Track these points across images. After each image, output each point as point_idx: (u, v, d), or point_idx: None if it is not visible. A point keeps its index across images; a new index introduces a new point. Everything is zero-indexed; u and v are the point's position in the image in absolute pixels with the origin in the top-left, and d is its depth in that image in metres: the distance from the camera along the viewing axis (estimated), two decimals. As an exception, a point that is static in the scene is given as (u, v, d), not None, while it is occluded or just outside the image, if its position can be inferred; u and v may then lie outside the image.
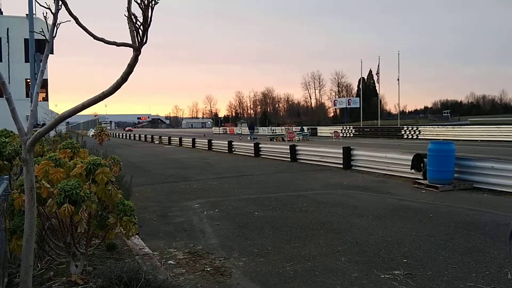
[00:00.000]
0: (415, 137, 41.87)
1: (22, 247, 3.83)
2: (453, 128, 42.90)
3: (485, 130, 37.01)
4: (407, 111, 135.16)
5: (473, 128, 40.87)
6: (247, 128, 60.19)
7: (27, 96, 36.23)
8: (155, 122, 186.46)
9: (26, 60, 35.50)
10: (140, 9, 3.18)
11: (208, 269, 5.68)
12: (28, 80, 34.90)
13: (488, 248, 6.29)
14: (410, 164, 12.80)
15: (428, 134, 40.42)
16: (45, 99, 45.02)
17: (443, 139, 30.84)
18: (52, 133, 22.43)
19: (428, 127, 45.75)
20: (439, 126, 47.89)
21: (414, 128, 44.09)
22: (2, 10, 48.35)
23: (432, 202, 9.81)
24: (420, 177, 12.33)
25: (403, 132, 44.27)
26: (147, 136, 52.51)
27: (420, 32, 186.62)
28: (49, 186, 4.34)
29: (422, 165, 12.39)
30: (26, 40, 36.05)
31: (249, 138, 46.23)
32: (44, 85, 43.70)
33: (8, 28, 42.25)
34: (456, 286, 4.92)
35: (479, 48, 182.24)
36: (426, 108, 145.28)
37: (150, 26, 3.25)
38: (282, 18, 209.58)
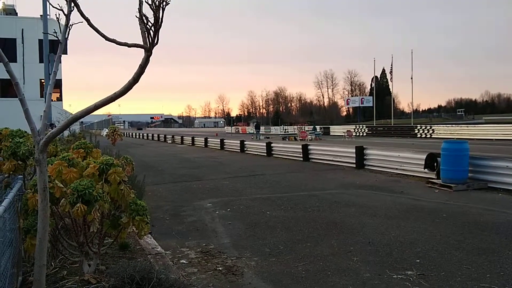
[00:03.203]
0: (428, 136, 41.48)
1: (35, 246, 3.87)
2: (467, 127, 42.40)
3: (500, 129, 36.51)
4: (420, 110, 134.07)
5: (488, 127, 40.37)
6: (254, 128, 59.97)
7: (42, 96, 36.60)
8: (168, 121, 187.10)
9: (41, 61, 35.90)
10: (151, 10, 3.19)
11: (220, 268, 5.69)
12: (43, 80, 35.27)
13: (503, 248, 6.21)
14: (424, 163, 12.70)
15: (441, 133, 40.01)
16: (59, 99, 45.46)
17: (457, 138, 30.52)
18: (66, 132, 22.65)
19: (441, 126, 45.30)
20: (453, 125, 47.33)
21: (428, 127, 43.70)
22: (17, 12, 48.95)
23: (446, 202, 9.73)
24: (434, 177, 12.23)
25: (416, 131, 43.92)
26: (160, 135, 52.75)
27: (434, 30, 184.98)
28: (62, 186, 4.37)
29: (435, 164, 12.29)
30: (40, 41, 36.46)
31: (260, 137, 46.16)
32: (58, 85, 44.12)
33: (23, 29, 42.74)
34: (470, 287, 4.88)
35: (494, 46, 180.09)
36: (440, 107, 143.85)
37: (161, 27, 3.26)
38: (295, 18, 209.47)
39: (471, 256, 5.93)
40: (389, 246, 6.45)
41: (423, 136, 42.20)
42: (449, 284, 4.97)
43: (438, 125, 46.85)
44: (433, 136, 40.52)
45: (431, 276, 5.22)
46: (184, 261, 6.03)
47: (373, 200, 10.07)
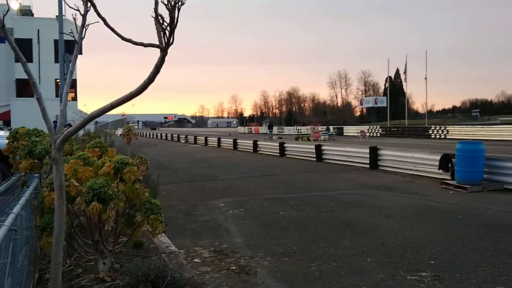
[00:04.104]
0: (443, 137, 41.12)
1: (52, 244, 3.91)
2: (483, 127, 42.00)
3: (516, 129, 36.05)
4: (434, 111, 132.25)
5: (504, 127, 39.85)
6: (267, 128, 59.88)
7: (57, 96, 37.01)
8: (182, 121, 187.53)
9: (56, 61, 36.34)
10: (167, 10, 3.21)
11: (233, 267, 5.70)
12: (58, 80, 35.62)
13: (519, 250, 6.14)
14: (438, 164, 12.60)
15: (456, 134, 39.57)
16: (74, 98, 45.94)
17: (472, 139, 30.19)
18: (81, 132, 22.83)
19: (456, 127, 44.89)
20: (468, 126, 46.83)
21: (442, 128, 43.34)
22: (33, 12, 49.53)
23: (461, 203, 9.64)
24: (448, 178, 12.12)
25: (430, 132, 43.58)
26: (174, 135, 52.97)
27: (448, 30, 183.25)
28: (78, 184, 4.42)
29: (450, 165, 12.18)
30: (56, 41, 36.83)
31: (273, 137, 46.13)
32: (73, 85, 44.58)
33: (39, 30, 43.29)
34: (485, 289, 4.83)
35: (510, 46, 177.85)
36: (454, 107, 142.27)
37: (177, 26, 3.27)
38: (308, 17, 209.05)
39: (487, 257, 5.87)
40: (403, 247, 6.41)
41: (438, 136, 41.87)
42: (464, 286, 4.92)
43: (453, 126, 46.45)
44: (447, 137, 40.16)
45: (446, 277, 5.18)
46: (198, 260, 6.05)
47: (386, 201, 10.01)
